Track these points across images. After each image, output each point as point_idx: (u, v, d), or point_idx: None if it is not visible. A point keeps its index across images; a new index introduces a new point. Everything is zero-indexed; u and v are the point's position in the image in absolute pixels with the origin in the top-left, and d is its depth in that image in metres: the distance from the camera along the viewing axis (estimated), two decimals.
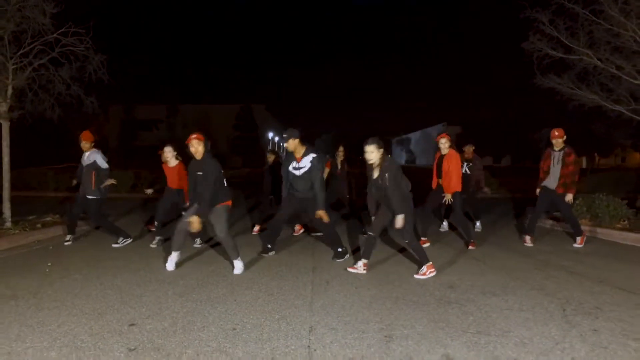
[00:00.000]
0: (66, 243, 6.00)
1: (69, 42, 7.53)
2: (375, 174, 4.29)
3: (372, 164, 4.27)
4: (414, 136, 79.67)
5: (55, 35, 7.22)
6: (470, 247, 5.75)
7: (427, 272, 4.35)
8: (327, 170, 6.80)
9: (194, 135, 4.51)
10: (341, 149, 7.25)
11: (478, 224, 7.39)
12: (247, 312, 3.32)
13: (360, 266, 4.54)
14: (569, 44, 8.92)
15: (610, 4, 8.18)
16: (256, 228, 6.96)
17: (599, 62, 8.87)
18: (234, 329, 2.98)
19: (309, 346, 2.71)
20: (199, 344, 2.73)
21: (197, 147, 4.47)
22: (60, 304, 3.49)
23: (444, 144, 5.79)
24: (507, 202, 12.04)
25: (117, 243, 5.86)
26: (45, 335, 2.85)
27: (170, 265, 4.63)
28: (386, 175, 4.16)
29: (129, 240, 6.00)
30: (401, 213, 4.14)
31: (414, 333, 2.91)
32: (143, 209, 9.90)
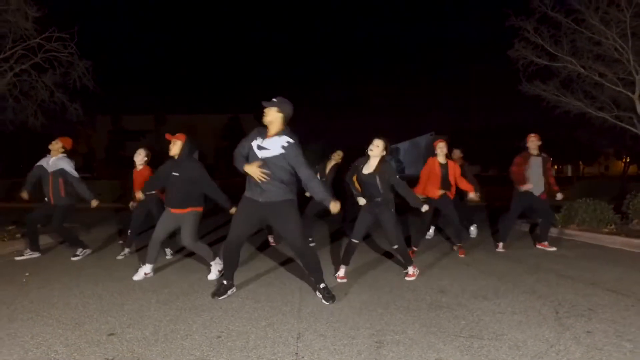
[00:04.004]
0: (18, 258, 5.44)
1: (52, 47, 7.39)
2: (369, 170, 4.27)
3: (372, 154, 4.29)
4: (403, 146, 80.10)
5: (38, 40, 7.06)
6: (459, 253, 5.70)
7: (414, 273, 4.42)
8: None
9: (178, 134, 4.53)
10: (339, 152, 6.54)
11: (473, 228, 7.38)
12: (233, 319, 3.20)
13: (342, 273, 4.40)
14: (553, 51, 9.06)
15: (591, 13, 8.34)
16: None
17: (582, 70, 9.01)
18: (219, 337, 2.85)
19: (296, 353, 2.60)
20: (181, 353, 2.60)
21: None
22: (35, 314, 3.32)
23: (442, 148, 5.46)
24: (494, 210, 12.05)
25: (76, 255, 5.58)
26: (17, 348, 2.69)
27: (139, 275, 4.45)
28: (386, 171, 4.26)
29: (89, 251, 5.78)
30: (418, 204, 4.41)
31: (406, 338, 2.82)
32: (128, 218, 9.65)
